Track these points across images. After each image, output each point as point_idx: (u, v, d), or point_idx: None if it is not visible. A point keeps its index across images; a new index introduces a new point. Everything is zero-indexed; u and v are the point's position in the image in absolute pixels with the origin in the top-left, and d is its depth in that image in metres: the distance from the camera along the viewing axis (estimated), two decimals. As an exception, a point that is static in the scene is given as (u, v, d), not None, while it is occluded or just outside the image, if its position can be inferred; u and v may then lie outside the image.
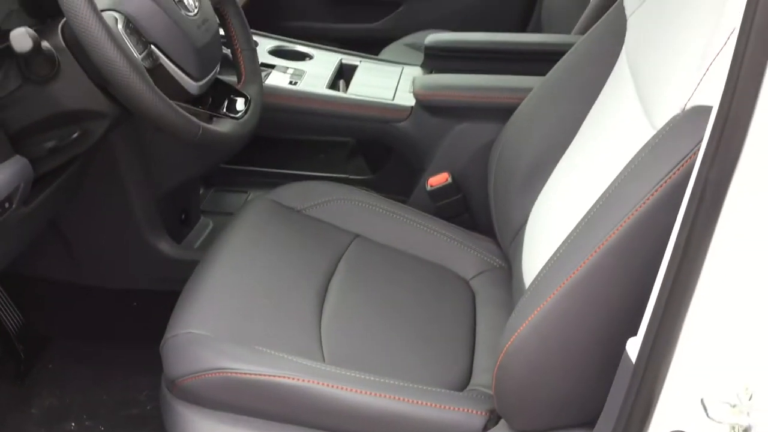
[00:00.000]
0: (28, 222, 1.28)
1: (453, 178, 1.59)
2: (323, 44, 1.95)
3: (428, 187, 1.59)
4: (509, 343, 0.97)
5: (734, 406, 0.73)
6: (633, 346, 0.82)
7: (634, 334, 0.83)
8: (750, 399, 0.72)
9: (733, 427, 0.73)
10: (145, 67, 1.07)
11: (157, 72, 1.09)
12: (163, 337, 1.20)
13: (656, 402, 0.80)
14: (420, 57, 1.92)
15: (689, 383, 0.77)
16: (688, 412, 0.78)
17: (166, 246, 1.67)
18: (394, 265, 1.44)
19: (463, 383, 1.21)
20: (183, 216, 1.79)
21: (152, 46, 1.10)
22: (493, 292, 1.41)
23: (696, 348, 0.76)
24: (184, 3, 1.15)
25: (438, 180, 1.58)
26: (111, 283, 1.71)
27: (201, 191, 1.94)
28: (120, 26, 1.06)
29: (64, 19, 1.11)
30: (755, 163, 0.66)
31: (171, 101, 1.05)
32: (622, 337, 0.84)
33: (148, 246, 1.65)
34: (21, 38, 1.01)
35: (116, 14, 1.07)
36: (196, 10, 1.17)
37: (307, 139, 2.15)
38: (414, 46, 2.31)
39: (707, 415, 0.73)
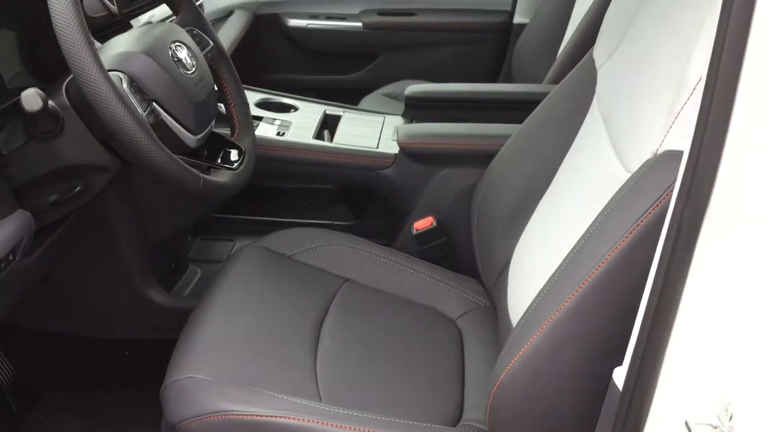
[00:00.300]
0: (28, 274, 1.31)
1: (437, 221, 1.65)
2: (305, 95, 2.02)
3: (414, 231, 1.65)
4: (502, 376, 1.02)
5: (716, 427, 0.79)
6: (619, 375, 0.88)
7: (620, 363, 0.88)
8: (730, 420, 0.78)
9: (716, 447, 0.79)
10: (149, 123, 1.13)
11: (158, 127, 1.15)
12: (163, 383, 1.22)
13: (643, 427, 0.85)
14: (398, 106, 2.00)
15: (673, 407, 0.83)
16: (674, 436, 0.84)
17: (157, 295, 1.71)
18: (383, 307, 1.49)
19: (455, 419, 1.25)
20: (173, 265, 1.83)
21: (154, 104, 1.15)
22: (479, 331, 1.46)
23: (678, 373, 0.82)
24: (182, 62, 1.21)
25: (423, 224, 1.65)
26: (102, 333, 1.73)
27: (188, 240, 1.98)
28: (125, 85, 1.11)
29: (68, 79, 1.17)
30: (726, 201, 0.73)
31: (173, 155, 1.10)
32: (609, 367, 0.90)
33: (140, 296, 1.68)
34: (31, 98, 1.07)
35: (121, 74, 1.12)
36: (193, 69, 1.23)
37: (290, 187, 2.21)
38: (392, 96, 2.40)
39: (692, 437, 0.78)
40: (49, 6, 1.01)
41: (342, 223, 2.03)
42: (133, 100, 1.11)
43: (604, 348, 0.95)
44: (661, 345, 0.81)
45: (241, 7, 2.52)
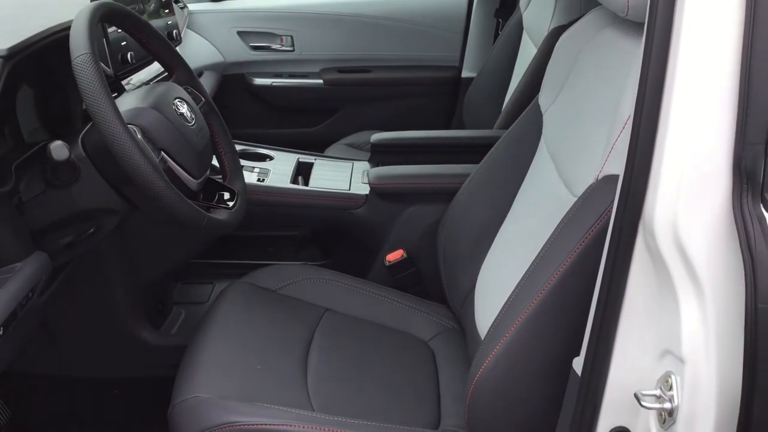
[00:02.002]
0: (38, 313, 1.42)
1: (407, 254, 1.82)
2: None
3: (386, 263, 1.82)
4: (478, 375, 1.17)
5: (659, 397, 0.95)
6: (578, 363, 1.04)
7: (578, 354, 1.05)
8: (670, 389, 0.95)
9: (660, 413, 0.96)
10: None
11: (167, 173, 1.29)
12: (171, 404, 1.34)
13: (600, 404, 1.01)
14: (360, 154, 2.17)
15: (624, 384, 0.99)
16: (626, 409, 1.00)
17: (147, 334, 1.82)
18: (362, 332, 1.63)
19: (435, 425, 1.40)
20: (160, 306, 1.94)
21: (162, 152, 1.30)
22: (449, 350, 1.61)
23: (627, 355, 0.98)
24: (184, 115, 1.37)
25: (394, 256, 1.81)
26: (94, 373, 1.82)
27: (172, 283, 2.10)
28: (139, 136, 1.26)
29: (83, 132, 1.32)
30: (655, 212, 0.91)
31: (183, 195, 1.25)
32: (569, 358, 1.07)
33: (131, 335, 1.79)
34: (59, 150, 1.21)
35: (134, 127, 1.27)
36: (193, 121, 1.39)
37: (261, 234, 2.35)
38: (354, 146, 2.59)
39: (641, 404, 0.95)
40: (74, 68, 1.16)
41: (313, 263, 2.17)
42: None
43: (564, 342, 1.11)
44: (611, 334, 0.97)
45: (209, 68, 2.69)
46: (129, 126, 1.21)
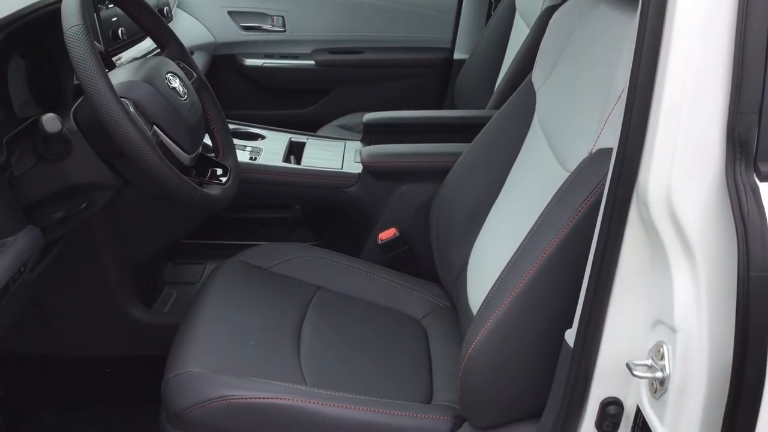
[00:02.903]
0: (30, 289, 1.42)
1: (400, 232, 1.82)
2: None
3: (379, 241, 1.82)
4: (471, 348, 1.18)
5: (650, 366, 0.96)
6: (570, 335, 1.05)
7: (570, 326, 1.06)
8: (661, 359, 0.96)
9: (652, 383, 0.97)
10: None
11: (159, 147, 1.29)
12: (164, 378, 1.34)
13: (592, 374, 1.02)
14: (352, 136, 2.17)
15: (616, 355, 1.00)
16: (617, 379, 1.01)
17: (138, 313, 1.81)
18: (355, 310, 1.63)
19: (427, 401, 1.40)
20: (151, 285, 1.94)
21: (155, 126, 1.30)
22: (441, 328, 1.62)
23: (619, 326, 0.99)
24: (176, 90, 1.36)
25: (387, 234, 1.82)
26: (86, 351, 1.82)
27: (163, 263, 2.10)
28: (131, 109, 1.26)
29: (75, 105, 1.31)
30: (648, 182, 0.91)
31: (176, 169, 1.25)
32: (561, 330, 1.08)
33: (123, 314, 1.79)
34: (51, 122, 1.20)
35: (127, 100, 1.26)
36: (185, 96, 1.38)
37: (253, 216, 2.35)
38: (345, 127, 2.58)
39: (632, 374, 0.96)
40: (66, 40, 1.15)
41: (305, 243, 2.17)
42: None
43: (556, 315, 1.12)
44: (604, 305, 0.98)
45: (200, 48, 2.68)
46: (122, 99, 1.20)
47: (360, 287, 1.69)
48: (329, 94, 2.91)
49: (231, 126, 2.07)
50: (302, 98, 2.91)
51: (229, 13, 2.83)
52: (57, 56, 1.39)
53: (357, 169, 1.89)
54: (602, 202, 0.99)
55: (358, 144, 2.06)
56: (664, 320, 0.94)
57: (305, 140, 2.06)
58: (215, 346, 1.40)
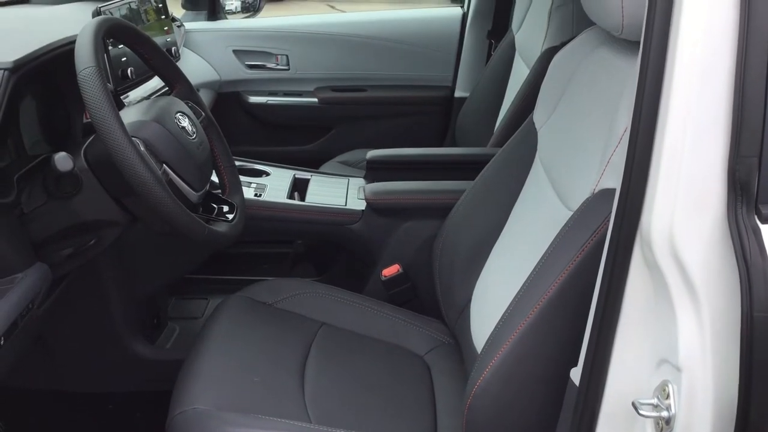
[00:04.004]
0: (37, 325, 1.42)
1: (403, 268, 1.84)
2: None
3: (382, 278, 1.83)
4: (476, 385, 1.19)
5: (656, 405, 0.97)
6: (575, 374, 1.06)
7: (576, 364, 1.07)
8: (667, 398, 0.96)
9: (658, 422, 0.97)
10: None
11: (168, 185, 1.31)
12: (169, 416, 1.34)
13: (598, 413, 1.02)
14: (354, 172, 2.19)
15: (622, 394, 1.01)
16: (623, 419, 1.01)
17: (142, 348, 1.82)
18: (358, 347, 1.64)
19: (431, 438, 1.41)
20: (155, 320, 1.95)
21: (164, 165, 1.32)
22: (445, 365, 1.62)
23: (624, 365, 1.00)
24: (186, 129, 1.38)
25: (390, 271, 1.83)
26: (90, 387, 1.83)
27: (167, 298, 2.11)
28: (142, 148, 1.28)
29: (86, 144, 1.33)
30: (652, 223, 0.93)
31: (184, 207, 1.26)
32: (566, 369, 1.08)
33: (127, 349, 1.80)
34: (63, 161, 1.22)
35: (137, 139, 1.29)
36: (194, 135, 1.40)
37: (255, 251, 2.37)
38: (347, 164, 2.61)
39: (638, 413, 0.96)
40: (80, 81, 1.17)
41: (307, 279, 2.18)
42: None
43: (561, 353, 1.13)
44: (609, 344, 0.99)
45: (205, 86, 2.71)
46: (132, 139, 1.23)
47: (363, 323, 1.70)
48: (332, 130, 2.95)
49: (237, 163, 2.09)
50: (305, 135, 2.94)
51: (234, 52, 2.88)
52: (68, 95, 1.42)
53: (361, 205, 1.91)
54: (606, 242, 1.00)
55: (361, 181, 2.09)
56: (669, 359, 0.95)
57: (309, 177, 2.09)
58: (220, 382, 1.40)
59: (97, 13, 1.64)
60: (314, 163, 2.61)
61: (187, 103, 1.50)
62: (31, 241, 1.30)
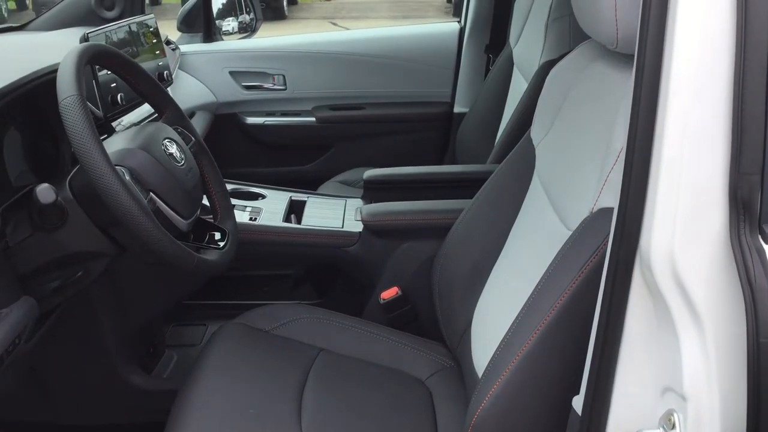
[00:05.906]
0: (25, 360, 1.39)
1: (402, 291, 1.80)
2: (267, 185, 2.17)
3: (381, 301, 1.79)
4: (477, 413, 1.14)
5: (662, 435, 0.93)
6: (577, 402, 1.02)
7: (578, 392, 1.03)
8: (672, 428, 0.92)
9: (664, 452, 0.93)
10: None
11: (156, 214, 1.27)
12: None
13: (602, 444, 0.99)
14: (354, 191, 2.16)
15: (626, 422, 0.97)
16: (628, 448, 0.98)
17: (138, 379, 1.78)
18: (357, 372, 1.60)
19: (433, 467, 1.36)
20: (151, 349, 1.91)
21: (151, 193, 1.29)
22: (447, 390, 1.58)
23: (627, 393, 0.96)
24: (173, 156, 1.36)
25: (389, 294, 1.79)
26: (85, 420, 1.79)
27: (163, 326, 2.07)
28: (127, 177, 1.25)
29: (71, 175, 1.30)
30: (651, 245, 0.89)
31: (172, 237, 1.23)
32: (568, 397, 1.04)
33: (122, 380, 1.76)
34: (46, 192, 1.19)
35: (122, 168, 1.26)
36: (183, 161, 1.38)
37: (254, 274, 2.33)
38: (347, 183, 2.58)
39: (643, 443, 0.92)
40: (61, 110, 1.14)
41: (308, 303, 2.15)
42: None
43: (563, 380, 1.09)
44: (611, 371, 0.95)
45: (202, 108, 2.70)
46: (117, 167, 1.20)
47: (362, 348, 1.66)
48: (330, 149, 2.92)
49: (231, 186, 2.07)
50: (304, 155, 2.92)
51: (231, 73, 2.86)
52: (54, 125, 1.39)
53: (358, 227, 1.88)
54: (605, 263, 0.96)
55: (359, 201, 2.05)
56: (673, 387, 0.91)
57: (305, 198, 2.05)
58: (215, 414, 1.36)
59: (84, 39, 1.62)
60: (314, 182, 2.59)
61: (176, 129, 1.47)
62: (17, 275, 1.27)
